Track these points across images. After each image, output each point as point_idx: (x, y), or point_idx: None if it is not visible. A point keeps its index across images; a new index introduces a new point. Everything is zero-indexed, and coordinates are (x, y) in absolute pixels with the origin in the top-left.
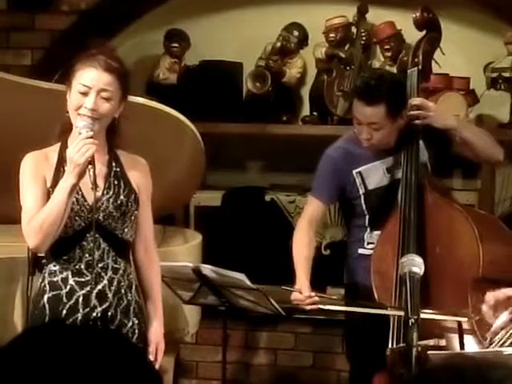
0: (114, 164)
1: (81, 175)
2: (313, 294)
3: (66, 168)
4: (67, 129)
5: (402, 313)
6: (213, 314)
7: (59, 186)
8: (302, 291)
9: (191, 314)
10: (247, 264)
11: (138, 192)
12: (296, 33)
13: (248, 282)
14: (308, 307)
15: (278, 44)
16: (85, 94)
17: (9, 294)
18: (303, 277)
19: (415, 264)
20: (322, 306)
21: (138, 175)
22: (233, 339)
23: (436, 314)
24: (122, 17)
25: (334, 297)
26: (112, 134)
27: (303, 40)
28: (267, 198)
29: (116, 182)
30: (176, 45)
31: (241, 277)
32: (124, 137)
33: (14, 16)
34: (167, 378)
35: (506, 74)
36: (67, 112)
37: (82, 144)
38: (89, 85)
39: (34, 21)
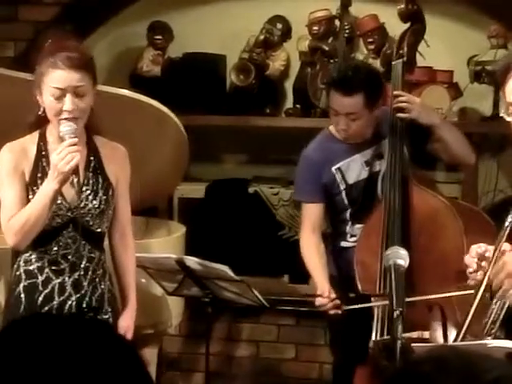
0: (92, 158)
1: (64, 182)
2: (333, 295)
3: (44, 164)
4: (43, 121)
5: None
6: (196, 305)
7: (41, 190)
8: (323, 295)
9: (174, 306)
10: (231, 256)
11: (117, 183)
12: (279, 25)
13: (232, 274)
14: (332, 311)
15: (262, 37)
16: (59, 97)
17: None
18: (322, 280)
19: (400, 256)
20: (345, 308)
21: (117, 165)
22: (216, 331)
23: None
24: (105, 9)
25: (351, 295)
26: (88, 123)
27: (286, 33)
28: (251, 190)
29: (94, 179)
30: (159, 37)
31: (224, 268)
32: (100, 120)
33: None
34: (150, 369)
35: (489, 68)
36: (43, 112)
37: (66, 152)
38: (62, 87)
39: (17, 12)
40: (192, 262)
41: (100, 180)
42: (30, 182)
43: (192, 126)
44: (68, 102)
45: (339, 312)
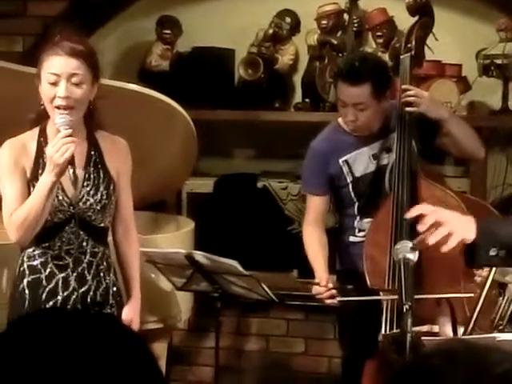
0: (92, 152)
1: (61, 174)
2: (330, 285)
3: (45, 160)
4: (43, 117)
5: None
6: (205, 300)
7: (40, 183)
8: (320, 283)
9: (183, 301)
10: (239, 250)
11: (118, 177)
12: (288, 19)
13: (241, 269)
14: (328, 301)
15: (271, 31)
16: (55, 83)
17: (1, 280)
18: (320, 269)
19: (409, 250)
20: (339, 299)
21: (118, 159)
22: (225, 325)
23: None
24: (114, 3)
25: (349, 286)
26: (89, 118)
27: (295, 27)
28: (259, 184)
29: (95, 174)
30: (168, 31)
31: (233, 263)
32: (102, 116)
33: (5, 2)
34: (160, 364)
35: (498, 61)
36: (42, 105)
37: (60, 144)
38: (57, 72)
39: (26, 7)
40: (201, 256)
41: (101, 174)
42: (31, 178)
43: (200, 120)
44: (61, 88)
45: (335, 302)
